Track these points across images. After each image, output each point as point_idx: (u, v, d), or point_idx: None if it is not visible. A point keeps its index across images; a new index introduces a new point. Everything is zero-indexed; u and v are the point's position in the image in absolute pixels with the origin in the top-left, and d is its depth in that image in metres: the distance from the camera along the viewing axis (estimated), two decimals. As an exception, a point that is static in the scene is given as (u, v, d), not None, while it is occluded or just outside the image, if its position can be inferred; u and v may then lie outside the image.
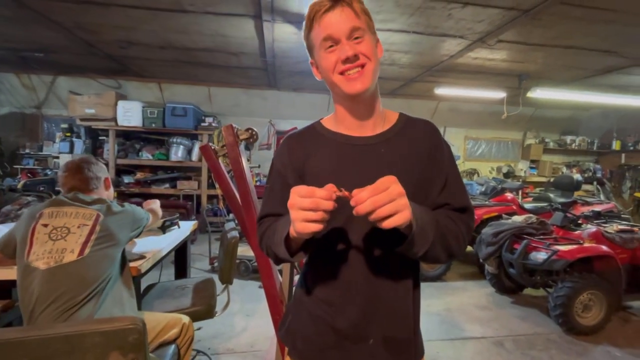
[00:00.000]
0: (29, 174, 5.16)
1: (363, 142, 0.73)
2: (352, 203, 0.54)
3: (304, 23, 0.70)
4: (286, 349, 0.81)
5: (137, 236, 1.50)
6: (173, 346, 1.41)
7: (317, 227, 0.55)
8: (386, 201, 0.53)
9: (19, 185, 3.81)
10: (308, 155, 0.74)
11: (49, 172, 5.05)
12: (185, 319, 1.51)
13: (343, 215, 0.66)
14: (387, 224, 0.54)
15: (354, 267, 0.70)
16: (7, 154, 5.32)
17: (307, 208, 0.54)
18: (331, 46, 0.66)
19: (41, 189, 3.83)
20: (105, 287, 1.22)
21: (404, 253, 0.64)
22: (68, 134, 4.94)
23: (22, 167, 5.28)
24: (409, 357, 0.74)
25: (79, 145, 4.90)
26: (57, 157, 4.85)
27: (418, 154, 0.72)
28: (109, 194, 1.52)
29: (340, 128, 0.75)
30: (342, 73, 0.67)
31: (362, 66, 0.66)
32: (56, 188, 4.35)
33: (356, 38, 0.66)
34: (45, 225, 1.22)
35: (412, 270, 0.75)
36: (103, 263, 1.23)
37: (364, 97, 0.70)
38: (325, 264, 0.73)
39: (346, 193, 0.56)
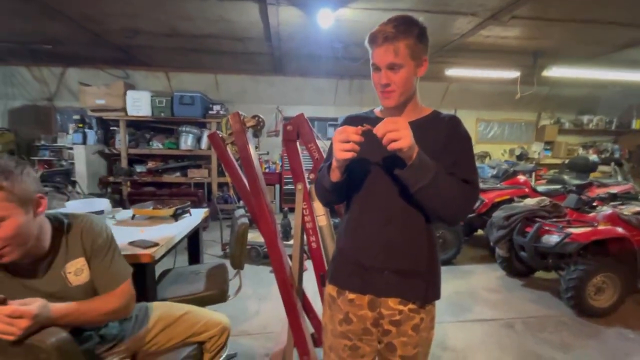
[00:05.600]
0: (45, 165, 5.30)
1: None
2: (374, 131, 0.78)
3: (366, 39, 0.92)
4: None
5: None
6: (194, 346, 1.30)
7: (350, 154, 0.82)
8: (393, 129, 0.77)
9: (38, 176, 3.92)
10: None
11: (64, 163, 5.18)
12: (225, 321, 1.39)
13: (368, 179, 0.96)
14: (392, 146, 0.77)
15: (374, 219, 0.97)
16: (23, 145, 5.46)
17: (342, 140, 0.82)
18: (376, 69, 0.92)
19: (57, 179, 3.94)
20: None
21: (405, 180, 0.85)
22: (81, 125, 5.00)
23: (38, 158, 5.41)
24: (417, 285, 0.97)
25: (92, 135, 4.97)
26: (71, 148, 4.95)
27: (435, 137, 0.93)
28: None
29: (385, 115, 1.01)
30: (380, 91, 0.94)
31: (393, 91, 0.91)
32: (72, 179, 4.48)
33: (393, 69, 0.89)
34: None
35: (424, 222, 0.96)
36: None
37: (396, 106, 0.97)
38: (354, 217, 1.01)
39: (368, 126, 0.81)
